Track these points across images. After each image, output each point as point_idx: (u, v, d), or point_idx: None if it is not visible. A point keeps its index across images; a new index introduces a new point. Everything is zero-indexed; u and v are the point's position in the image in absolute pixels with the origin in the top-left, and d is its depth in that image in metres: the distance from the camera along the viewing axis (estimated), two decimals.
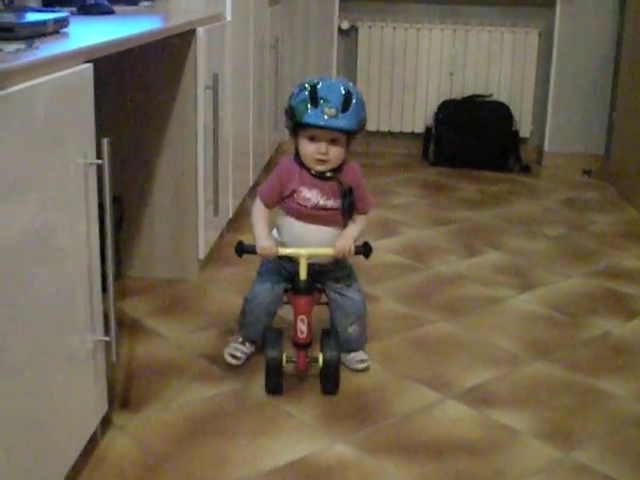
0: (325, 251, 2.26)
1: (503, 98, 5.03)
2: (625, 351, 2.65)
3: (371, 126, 5.09)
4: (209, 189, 3.04)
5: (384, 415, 2.22)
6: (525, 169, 4.94)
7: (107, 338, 1.93)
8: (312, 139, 2.20)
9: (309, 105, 2.16)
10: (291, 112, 2.20)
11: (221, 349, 2.49)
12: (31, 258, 1.53)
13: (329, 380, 2.27)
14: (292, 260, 2.28)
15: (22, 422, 1.50)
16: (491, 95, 5.02)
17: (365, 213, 2.32)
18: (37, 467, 1.58)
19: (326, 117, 2.15)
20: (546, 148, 5.07)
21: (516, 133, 5.01)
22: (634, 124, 4.38)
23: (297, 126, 2.21)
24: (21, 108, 1.45)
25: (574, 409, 2.28)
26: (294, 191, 2.25)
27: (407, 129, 5.17)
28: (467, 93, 5.04)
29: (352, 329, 2.39)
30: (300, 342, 2.26)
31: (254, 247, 2.27)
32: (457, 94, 5.06)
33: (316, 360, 2.27)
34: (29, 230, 1.51)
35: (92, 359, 1.91)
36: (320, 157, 2.20)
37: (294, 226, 2.29)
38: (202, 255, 3.06)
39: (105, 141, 1.80)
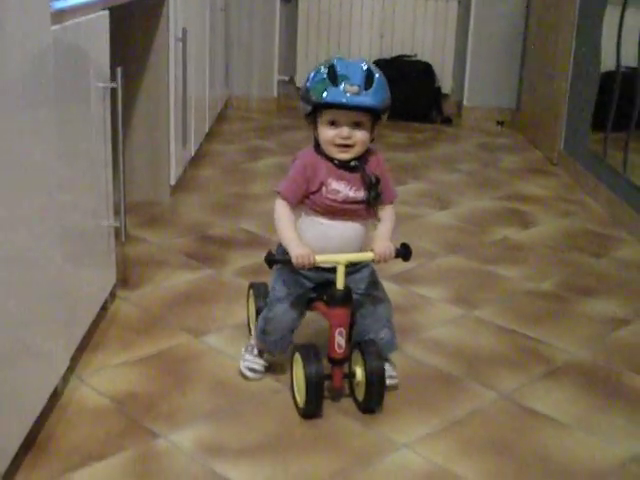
0: (365, 256, 2.07)
1: (427, 58, 5.67)
2: (519, 249, 3.32)
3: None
4: (179, 127, 3.62)
5: None
6: (446, 121, 5.61)
7: (117, 224, 2.53)
8: (333, 123, 1.97)
9: (328, 84, 1.93)
10: (308, 94, 1.98)
11: (196, 250, 3.10)
12: (60, 155, 2.12)
13: (374, 393, 2.06)
14: (317, 267, 2.04)
15: (52, 290, 2.05)
16: (416, 55, 5.66)
17: (390, 204, 2.14)
18: (62, 323, 2.11)
19: (348, 95, 1.92)
20: (465, 102, 5.74)
21: (438, 89, 5.66)
22: (539, 81, 5.06)
23: (315, 110, 1.98)
24: (70, 37, 2.04)
25: (477, 285, 2.94)
26: (322, 184, 2.01)
27: None
28: (395, 53, 5.66)
29: (384, 333, 2.17)
30: (338, 357, 2.06)
31: (287, 256, 2.00)
32: (387, 54, 5.68)
33: (353, 375, 2.09)
34: (60, 133, 2.10)
35: (105, 241, 2.51)
36: (343, 142, 1.98)
37: (319, 225, 2.06)
38: (173, 182, 3.64)
39: (119, 70, 2.38)
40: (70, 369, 2.18)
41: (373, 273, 2.17)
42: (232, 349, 2.39)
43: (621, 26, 3.80)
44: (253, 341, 2.26)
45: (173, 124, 3.55)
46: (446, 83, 5.75)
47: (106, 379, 2.21)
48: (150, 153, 3.58)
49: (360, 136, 1.99)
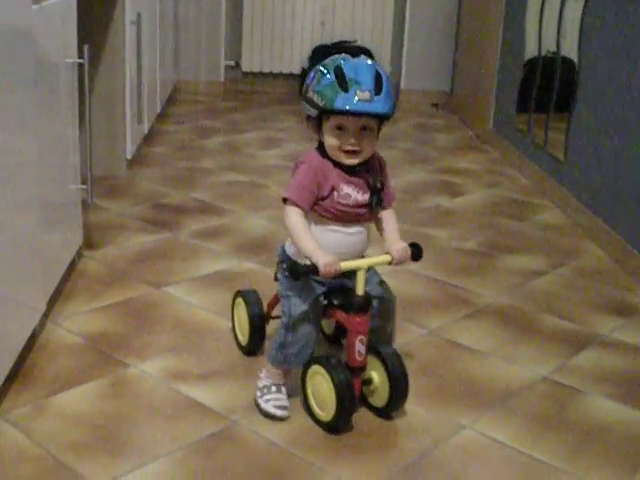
0: (384, 259, 2.01)
1: (366, 43, 5.97)
2: (449, 214, 3.65)
3: (255, 67, 5.99)
4: (134, 105, 3.87)
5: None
6: None
7: (85, 186, 2.79)
8: (340, 128, 1.91)
9: (338, 89, 1.86)
10: (316, 99, 1.89)
11: (153, 216, 3.37)
12: (34, 129, 2.38)
13: (401, 397, 2.05)
14: (301, 267, 1.93)
15: (28, 249, 2.29)
16: (356, 41, 5.96)
17: (389, 207, 2.08)
18: (37, 277, 2.38)
19: (359, 102, 1.85)
20: (402, 86, 6.07)
21: None
22: (471, 66, 5.40)
23: (321, 115, 1.92)
24: (47, 16, 2.30)
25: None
26: (334, 189, 1.95)
27: (286, 70, 6.07)
28: (336, 39, 5.96)
29: (390, 328, 2.15)
30: (358, 365, 2.00)
31: (313, 266, 1.89)
32: (328, 40, 5.97)
33: (370, 381, 2.05)
34: (35, 106, 2.36)
35: (73, 207, 2.77)
36: (351, 148, 1.92)
37: (328, 231, 1.99)
38: (129, 156, 3.89)
39: (86, 47, 2.64)
40: (46, 315, 2.44)
41: (377, 272, 2.13)
42: (190, 298, 2.67)
43: (542, 14, 4.14)
44: (265, 381, 2.11)
45: (129, 102, 3.80)
46: (384, 67, 6.01)
47: (79, 322, 2.48)
48: (107, 129, 3.82)
49: (368, 141, 1.93)
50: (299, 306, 2.03)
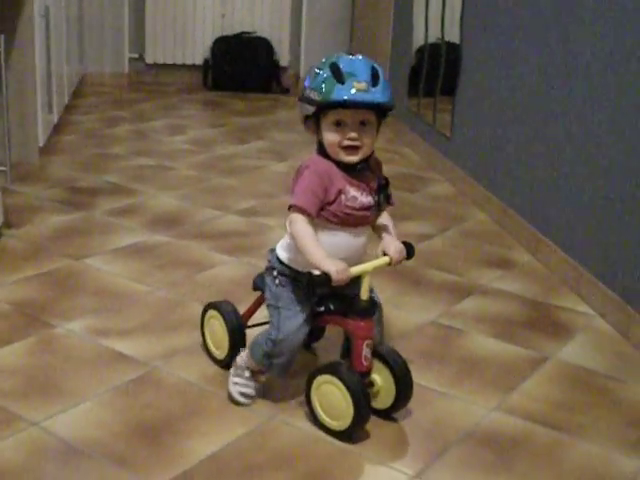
0: (384, 261, 1.98)
1: (266, 34, 6.22)
2: None
3: (159, 59, 6.19)
4: (44, 94, 4.04)
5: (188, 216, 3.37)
6: (285, 91, 6.19)
7: (4, 168, 2.97)
8: (338, 124, 1.86)
9: (334, 82, 1.82)
10: (310, 95, 1.85)
11: (68, 198, 3.56)
12: None
13: (407, 396, 2.05)
14: (315, 277, 1.84)
15: None
16: (255, 32, 6.20)
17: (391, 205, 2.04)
18: None
19: (357, 92, 1.82)
20: (302, 74, 6.33)
21: (277, 62, 6.23)
22: (366, 54, 5.65)
23: (318, 112, 1.87)
24: None
25: None
26: (341, 192, 1.89)
27: (189, 62, 6.27)
28: (237, 30, 6.18)
29: (380, 332, 2.11)
30: (365, 370, 1.97)
31: (326, 275, 1.82)
32: (229, 31, 6.19)
33: (372, 384, 2.02)
34: None
35: None
36: (350, 143, 1.86)
37: (333, 236, 1.93)
38: (41, 143, 4.07)
39: (1, 37, 2.82)
40: None
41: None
42: (108, 267, 2.89)
43: (427, 6, 4.45)
44: (243, 362, 2.10)
45: (39, 92, 3.97)
46: (284, 57, 6.32)
47: (4, 292, 2.67)
48: (19, 118, 3.97)
49: (368, 136, 1.88)
50: (290, 319, 1.97)
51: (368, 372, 1.98)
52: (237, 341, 2.21)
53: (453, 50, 4.10)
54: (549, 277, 2.99)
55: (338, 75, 1.82)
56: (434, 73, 4.34)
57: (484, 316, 2.67)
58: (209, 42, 6.18)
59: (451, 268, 3.03)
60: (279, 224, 3.38)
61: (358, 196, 1.90)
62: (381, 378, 2.02)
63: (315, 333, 2.29)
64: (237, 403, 2.09)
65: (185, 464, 1.87)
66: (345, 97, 1.81)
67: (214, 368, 2.27)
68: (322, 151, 1.92)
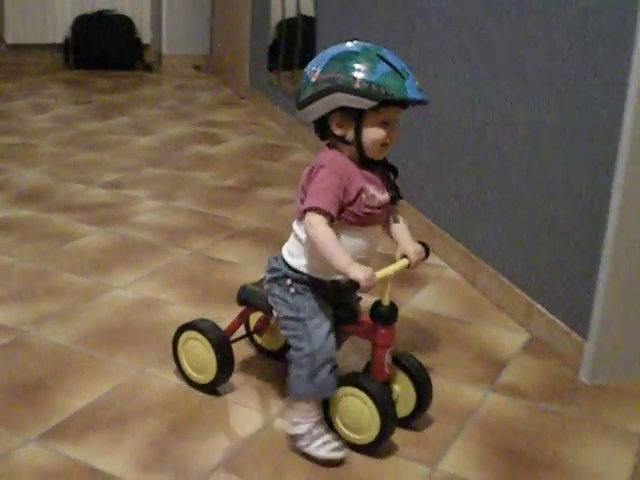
0: (403, 263, 1.91)
1: (126, 12, 6.24)
2: (209, 160, 4.06)
3: (19, 40, 6.14)
4: None
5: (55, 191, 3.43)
6: (148, 68, 6.24)
7: None
8: (384, 122, 1.79)
9: (400, 78, 1.75)
10: (376, 89, 1.73)
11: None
12: None
13: (428, 402, 1.98)
14: (344, 285, 1.74)
15: None
16: (115, 10, 6.21)
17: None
18: None
19: (419, 91, 1.77)
20: (164, 51, 6.40)
21: (138, 40, 6.26)
22: (227, 30, 5.79)
23: (361, 109, 1.76)
24: None
25: (174, 186, 3.63)
26: (361, 191, 1.81)
27: (50, 41, 6.23)
28: (96, 8, 6.18)
29: None
30: (387, 379, 1.90)
31: (353, 281, 1.72)
32: (88, 10, 6.18)
33: (391, 393, 1.92)
34: None
35: None
36: (389, 141, 1.81)
37: (351, 238, 1.84)
38: None
39: None
40: None
41: None
42: None
43: None
44: (303, 427, 1.86)
45: None
46: (145, 34, 6.35)
47: None
48: None
49: (396, 134, 1.83)
50: (319, 327, 1.84)
51: (389, 380, 1.91)
52: (226, 358, 2.04)
53: (309, 23, 4.25)
54: None
55: (396, 71, 1.75)
56: (292, 47, 4.48)
57: None
58: (69, 21, 6.15)
59: None
60: (145, 195, 3.48)
61: (376, 194, 1.83)
62: (399, 386, 1.94)
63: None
64: (337, 460, 1.85)
65: (58, 417, 1.97)
66: (416, 97, 1.76)
67: (86, 328, 2.37)
68: (335, 148, 1.85)
